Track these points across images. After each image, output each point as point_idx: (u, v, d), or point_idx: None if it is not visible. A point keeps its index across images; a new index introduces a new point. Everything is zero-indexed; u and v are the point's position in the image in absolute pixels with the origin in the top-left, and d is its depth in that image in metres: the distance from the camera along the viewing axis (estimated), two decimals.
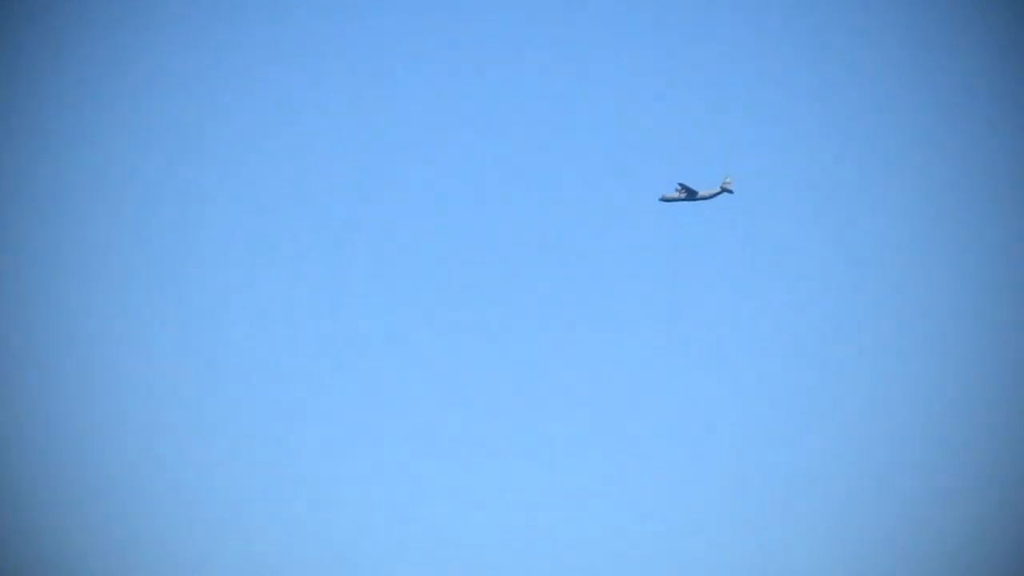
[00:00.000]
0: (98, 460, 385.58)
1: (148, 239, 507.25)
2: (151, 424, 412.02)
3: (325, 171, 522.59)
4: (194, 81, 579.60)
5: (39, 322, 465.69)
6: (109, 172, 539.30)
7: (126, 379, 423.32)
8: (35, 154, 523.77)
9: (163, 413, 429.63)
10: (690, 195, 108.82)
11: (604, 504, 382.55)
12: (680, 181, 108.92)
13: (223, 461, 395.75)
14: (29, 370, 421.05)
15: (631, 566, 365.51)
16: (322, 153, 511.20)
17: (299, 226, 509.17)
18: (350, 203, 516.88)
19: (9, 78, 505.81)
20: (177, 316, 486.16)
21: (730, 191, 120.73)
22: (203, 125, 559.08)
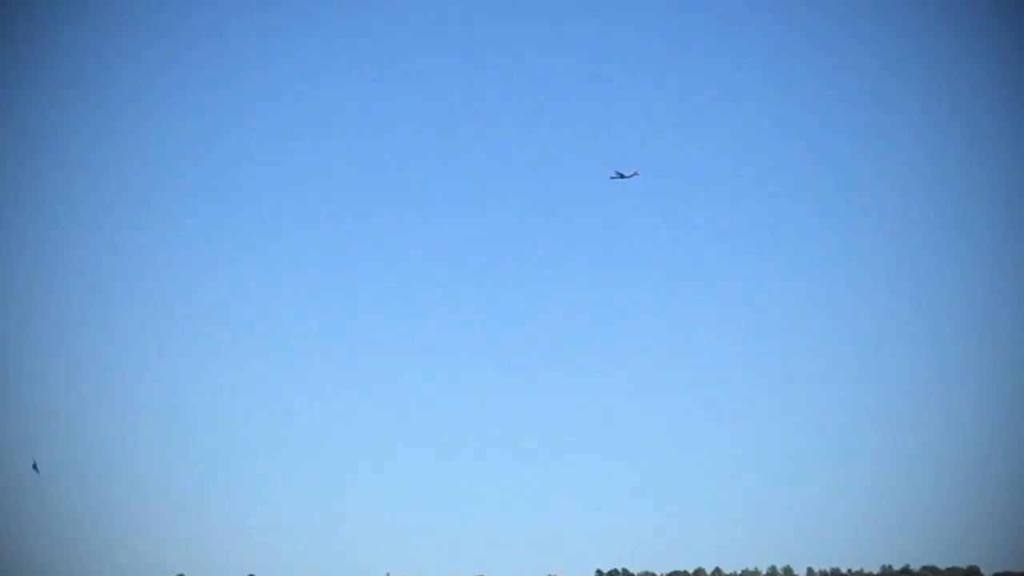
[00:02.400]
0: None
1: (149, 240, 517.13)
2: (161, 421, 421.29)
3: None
4: (193, 83, 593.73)
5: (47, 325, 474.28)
6: (108, 173, 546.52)
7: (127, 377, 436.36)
8: (37, 155, 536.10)
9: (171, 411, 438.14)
10: (620, 176, 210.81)
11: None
12: (616, 169, 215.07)
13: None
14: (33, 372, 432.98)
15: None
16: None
17: (289, 228, 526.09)
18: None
19: (10, 79, 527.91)
20: (184, 315, 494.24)
21: (637, 174, 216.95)
22: (205, 127, 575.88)
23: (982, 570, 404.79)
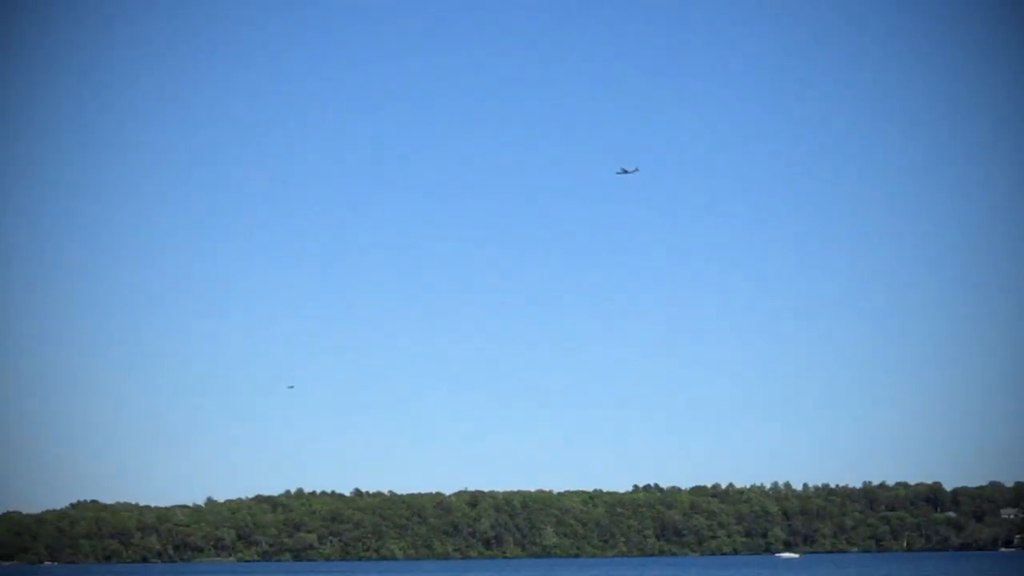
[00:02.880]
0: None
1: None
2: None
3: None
4: (197, 84, 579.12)
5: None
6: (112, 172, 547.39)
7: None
8: (42, 154, 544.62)
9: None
10: (625, 172, 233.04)
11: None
12: (621, 166, 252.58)
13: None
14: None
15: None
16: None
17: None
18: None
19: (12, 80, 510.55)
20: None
21: (637, 170, 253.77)
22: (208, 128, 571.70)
23: (944, 486, 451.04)
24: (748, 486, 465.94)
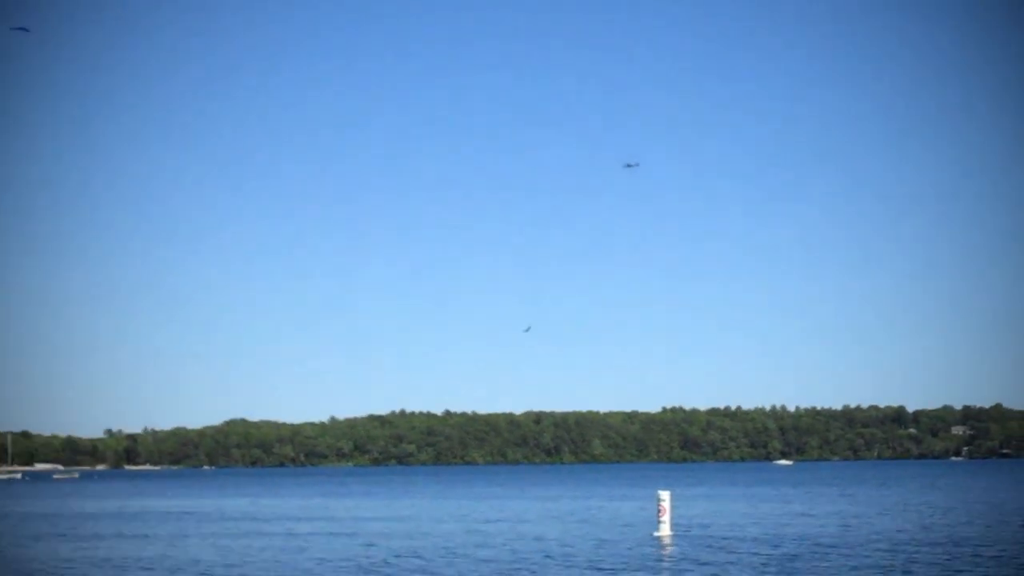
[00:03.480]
0: None
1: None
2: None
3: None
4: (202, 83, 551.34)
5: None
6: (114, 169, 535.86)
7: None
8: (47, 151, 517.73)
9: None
10: (630, 166, 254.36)
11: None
12: (626, 162, 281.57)
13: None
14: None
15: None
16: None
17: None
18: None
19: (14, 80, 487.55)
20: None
21: (638, 164, 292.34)
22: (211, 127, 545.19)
23: (907, 408, 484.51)
24: (752, 408, 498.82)
